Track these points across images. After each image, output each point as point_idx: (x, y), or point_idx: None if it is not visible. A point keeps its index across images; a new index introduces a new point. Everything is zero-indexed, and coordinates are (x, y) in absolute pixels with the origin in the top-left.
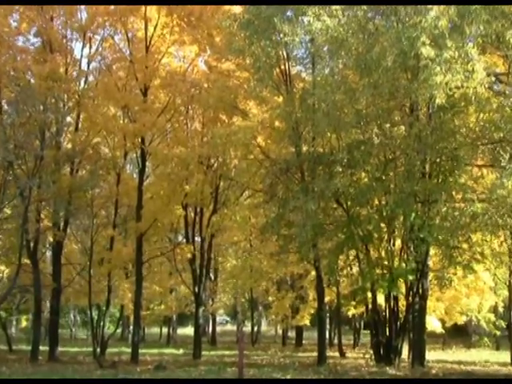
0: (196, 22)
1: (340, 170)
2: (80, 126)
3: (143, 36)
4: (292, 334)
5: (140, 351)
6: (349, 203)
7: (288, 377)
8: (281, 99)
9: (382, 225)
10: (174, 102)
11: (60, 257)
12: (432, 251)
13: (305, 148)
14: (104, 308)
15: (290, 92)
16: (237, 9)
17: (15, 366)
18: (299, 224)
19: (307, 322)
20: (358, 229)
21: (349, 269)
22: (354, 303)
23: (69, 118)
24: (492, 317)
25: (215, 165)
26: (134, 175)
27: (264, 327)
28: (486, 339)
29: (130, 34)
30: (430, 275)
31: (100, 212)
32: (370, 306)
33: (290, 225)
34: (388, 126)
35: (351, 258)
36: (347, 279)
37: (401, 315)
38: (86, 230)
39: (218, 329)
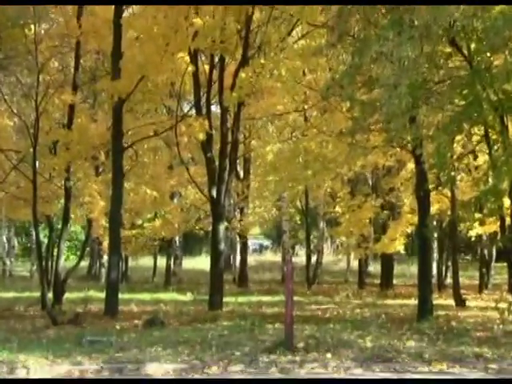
0: None
1: None
2: None
3: None
4: (375, 268)
5: (121, 297)
6: (473, 46)
7: (367, 340)
8: None
9: None
10: None
11: None
12: None
13: None
14: (59, 226)
15: None
16: None
17: None
18: (388, 82)
19: (400, 249)
20: (489, 89)
21: (472, 158)
22: (479, 216)
23: None
24: None
25: None
26: None
27: (328, 257)
28: None
29: None
30: None
31: (50, 63)
32: (507, 222)
33: (373, 83)
34: None
35: (476, 139)
36: (468, 176)
37: None
38: (26, 94)
39: (251, 259)
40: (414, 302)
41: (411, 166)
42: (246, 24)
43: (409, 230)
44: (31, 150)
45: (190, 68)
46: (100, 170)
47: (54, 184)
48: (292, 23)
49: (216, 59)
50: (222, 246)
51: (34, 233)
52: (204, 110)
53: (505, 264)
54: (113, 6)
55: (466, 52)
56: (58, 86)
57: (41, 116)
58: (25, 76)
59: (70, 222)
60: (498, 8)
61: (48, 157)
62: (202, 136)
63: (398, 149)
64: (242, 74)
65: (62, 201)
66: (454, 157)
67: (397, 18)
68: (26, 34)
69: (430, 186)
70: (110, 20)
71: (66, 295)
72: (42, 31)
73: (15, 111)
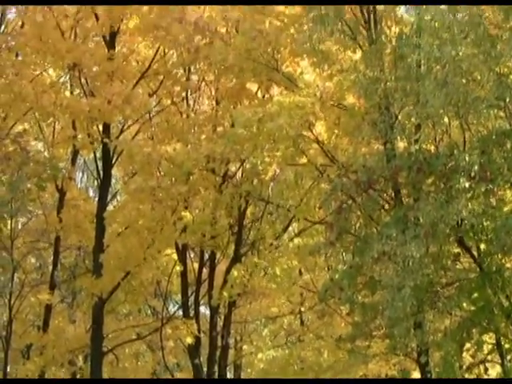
0: None
1: (466, 185)
2: None
3: None
4: None
5: None
6: (482, 246)
7: None
8: (358, 55)
9: None
10: (165, 59)
11: None
12: None
13: (401, 145)
14: None
15: (374, 42)
16: None
17: None
18: (391, 284)
19: None
20: (500, 294)
21: (482, 370)
22: None
23: None
24: None
25: (237, 175)
26: (90, 192)
27: None
28: None
29: None
30: None
31: (27, 259)
32: None
33: (375, 285)
34: None
35: (487, 347)
36: None
37: None
38: None
39: None
40: None
41: (416, 375)
42: (239, 219)
43: None
44: (2, 354)
45: (178, 265)
46: (77, 376)
47: None
48: (288, 219)
49: (206, 255)
50: None
51: None
52: (192, 312)
53: None
54: (96, 201)
55: (475, 253)
56: (34, 284)
57: (14, 317)
58: None
59: None
60: (509, 206)
61: (20, 362)
62: (189, 340)
63: (403, 356)
64: (234, 273)
65: None
66: (464, 367)
67: (401, 215)
68: (1, 229)
69: None
70: (92, 214)
71: None
72: (20, 225)
73: None
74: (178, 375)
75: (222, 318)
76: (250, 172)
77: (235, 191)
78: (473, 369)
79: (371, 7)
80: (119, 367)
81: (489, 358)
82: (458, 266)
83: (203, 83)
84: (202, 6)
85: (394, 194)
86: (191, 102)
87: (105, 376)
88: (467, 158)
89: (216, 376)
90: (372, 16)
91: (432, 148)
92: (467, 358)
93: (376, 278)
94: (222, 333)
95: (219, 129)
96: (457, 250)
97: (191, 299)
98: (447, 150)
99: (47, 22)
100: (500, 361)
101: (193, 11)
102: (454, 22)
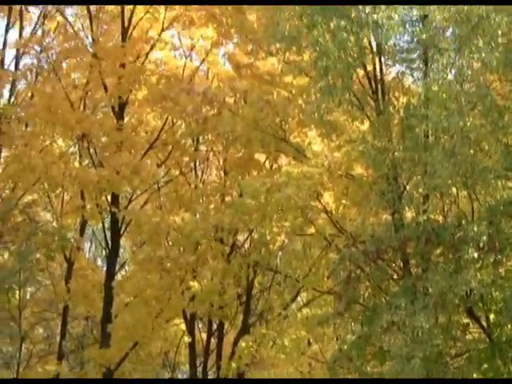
0: None
1: (475, 255)
2: (0, 171)
3: (118, 10)
4: None
5: None
6: (491, 316)
7: None
8: (365, 126)
9: None
10: (173, 129)
11: None
12: None
13: (409, 215)
14: None
15: (382, 113)
16: None
17: None
18: (400, 354)
19: None
20: (510, 365)
21: None
22: None
23: None
24: None
25: (245, 245)
26: (99, 261)
27: None
28: None
29: (92, 7)
30: None
31: (35, 330)
32: None
33: (383, 355)
34: None
35: None
36: None
37: None
38: (6, 363)
39: None
40: None
41: None
42: (247, 289)
43: None
44: None
45: (186, 335)
46: None
47: None
48: (296, 289)
49: (214, 325)
50: None
51: None
52: None
53: None
54: (104, 270)
55: (484, 323)
56: (42, 355)
57: None
58: (6, 344)
59: None
60: None
61: None
62: None
63: None
64: (242, 343)
65: None
66: None
67: (409, 285)
68: (9, 299)
69: None
70: (100, 283)
71: None
72: (28, 295)
73: None
74: None
75: None
76: (258, 242)
77: (243, 261)
78: None
79: (379, 77)
80: None
81: None
82: (467, 337)
83: (211, 153)
84: (210, 77)
85: (403, 264)
86: (199, 172)
87: None
88: (475, 229)
89: None
90: (380, 86)
91: (440, 218)
92: None
93: (385, 348)
94: None
95: (227, 199)
96: (466, 321)
97: (199, 370)
98: (455, 221)
99: (56, 93)
100: None
101: (201, 82)
102: (462, 93)
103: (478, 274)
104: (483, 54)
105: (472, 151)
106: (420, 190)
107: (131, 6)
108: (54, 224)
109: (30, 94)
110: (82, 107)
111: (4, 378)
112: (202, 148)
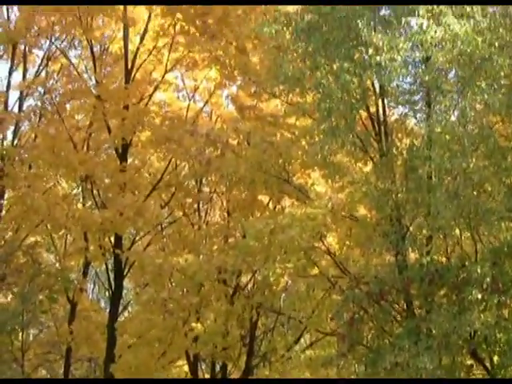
0: (216, 26)
1: (478, 296)
2: (3, 213)
3: (121, 52)
4: None
5: None
6: (495, 358)
7: None
8: (369, 167)
9: None
10: (176, 171)
11: None
12: None
13: (413, 256)
14: None
15: (385, 154)
16: (290, 7)
17: None
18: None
19: None
20: None
21: None
22: None
23: None
24: None
25: (249, 286)
26: (102, 303)
27: None
28: None
29: (96, 49)
30: None
31: (37, 372)
32: None
33: None
34: None
35: None
36: None
37: None
38: None
39: None
40: None
41: None
42: (251, 330)
43: None
44: None
45: (189, 376)
46: None
47: None
48: (300, 330)
49: (217, 366)
50: None
51: None
52: None
53: None
54: (107, 312)
55: (488, 365)
56: None
57: None
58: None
59: None
60: None
61: None
62: None
63: None
64: None
65: None
66: None
67: (413, 326)
68: (12, 341)
69: None
70: (103, 325)
71: None
72: (31, 337)
73: None
74: None
75: None
76: (261, 283)
77: (247, 302)
78: None
79: (382, 119)
80: None
81: None
82: (472, 377)
83: (215, 195)
84: (214, 118)
85: (406, 305)
86: (203, 214)
87: None
88: (479, 270)
89: None
90: (383, 128)
91: (443, 259)
92: None
93: None
94: None
95: (231, 240)
96: (470, 362)
97: None
98: (459, 262)
99: (60, 135)
100: None
101: (204, 123)
102: (465, 134)
103: (482, 316)
104: (486, 96)
105: (475, 192)
106: (423, 232)
107: (134, 48)
108: (57, 265)
109: (33, 136)
110: (85, 149)
111: (4, 378)
112: (206, 189)
